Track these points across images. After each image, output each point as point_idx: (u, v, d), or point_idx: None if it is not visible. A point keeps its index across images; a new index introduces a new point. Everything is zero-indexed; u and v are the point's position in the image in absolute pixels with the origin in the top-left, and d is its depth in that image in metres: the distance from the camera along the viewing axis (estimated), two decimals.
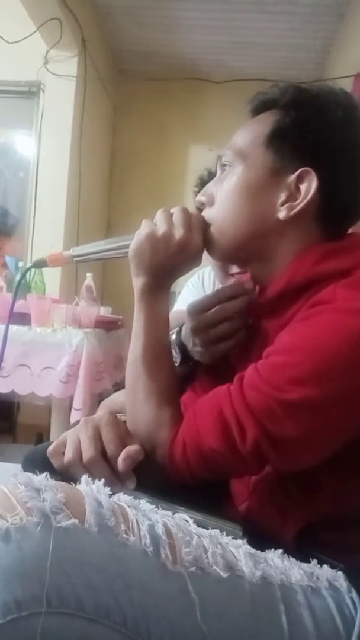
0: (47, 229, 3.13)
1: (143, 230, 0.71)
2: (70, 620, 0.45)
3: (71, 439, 0.67)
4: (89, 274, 2.39)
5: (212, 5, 3.11)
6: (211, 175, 1.18)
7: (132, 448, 0.65)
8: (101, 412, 0.71)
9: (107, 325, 2.13)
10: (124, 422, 0.70)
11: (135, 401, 0.71)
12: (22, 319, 1.97)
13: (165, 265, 0.70)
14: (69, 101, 3.14)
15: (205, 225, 0.71)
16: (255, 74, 3.29)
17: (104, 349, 1.98)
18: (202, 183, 1.25)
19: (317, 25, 3.22)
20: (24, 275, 0.89)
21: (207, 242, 0.71)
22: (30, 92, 3.27)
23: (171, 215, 0.71)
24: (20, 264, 2.60)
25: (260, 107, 0.73)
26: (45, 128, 3.21)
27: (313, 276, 0.65)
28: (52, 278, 2.72)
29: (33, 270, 2.43)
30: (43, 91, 3.21)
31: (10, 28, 2.98)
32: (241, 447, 0.60)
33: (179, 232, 0.69)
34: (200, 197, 0.74)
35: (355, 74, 2.66)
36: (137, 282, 0.72)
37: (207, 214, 0.72)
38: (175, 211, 0.71)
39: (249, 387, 0.61)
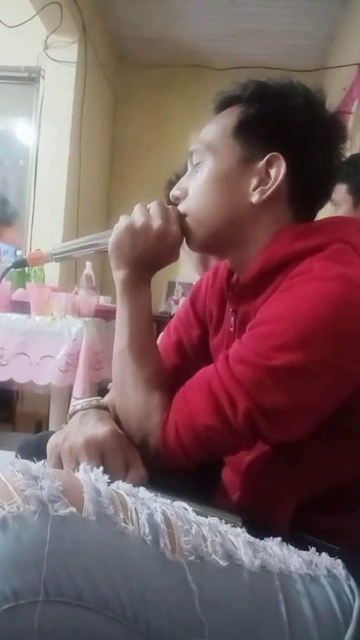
0: (46, 218, 3.11)
1: (121, 223, 0.73)
2: (68, 609, 0.45)
3: (70, 464, 0.63)
4: (88, 263, 2.38)
5: None
6: (180, 177, 1.22)
7: (137, 475, 0.63)
8: (106, 427, 0.66)
9: (106, 315, 2.13)
10: (125, 437, 0.67)
11: (123, 390, 0.70)
12: (22, 307, 1.97)
13: (145, 256, 0.72)
14: (69, 88, 3.10)
15: (181, 217, 0.73)
16: (257, 62, 3.26)
17: (103, 338, 1.97)
18: (171, 186, 1.28)
19: (321, 12, 3.18)
20: (4, 275, 0.89)
21: (185, 234, 0.74)
22: (30, 78, 3.23)
23: (148, 209, 0.74)
24: (19, 252, 2.59)
25: (224, 104, 0.75)
26: (45, 115, 3.18)
27: (289, 255, 0.66)
28: (52, 267, 2.71)
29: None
30: (43, 77, 3.18)
31: (9, 12, 2.93)
32: (233, 420, 0.60)
33: (156, 223, 0.71)
34: (175, 192, 0.76)
35: (359, 62, 2.63)
36: (118, 275, 0.74)
37: (182, 206, 0.74)
38: (152, 205, 0.74)
39: (235, 360, 0.62)
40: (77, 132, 3.16)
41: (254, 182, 0.70)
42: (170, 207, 0.74)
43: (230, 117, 0.72)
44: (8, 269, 0.86)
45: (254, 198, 0.70)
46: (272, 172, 0.69)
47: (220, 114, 0.75)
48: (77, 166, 3.19)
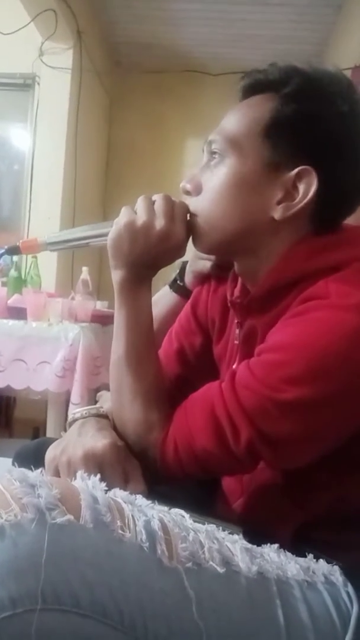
0: (42, 223, 3.11)
1: (122, 218, 0.66)
2: (66, 616, 0.45)
3: (68, 478, 0.61)
4: (84, 268, 2.38)
5: None
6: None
7: (136, 490, 0.61)
8: (105, 440, 0.64)
9: (103, 320, 2.13)
10: (125, 449, 0.65)
11: (121, 402, 0.67)
12: (18, 313, 1.97)
13: (145, 257, 0.66)
14: (65, 94, 3.11)
15: (189, 215, 0.67)
16: (252, 67, 3.24)
17: (100, 344, 1.97)
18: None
19: (315, 18, 3.20)
20: None
21: (193, 234, 0.67)
22: (25, 84, 3.24)
23: (153, 203, 0.67)
24: (15, 258, 2.59)
25: (255, 88, 0.66)
26: (41, 121, 3.18)
27: (303, 272, 0.62)
28: (48, 272, 2.71)
29: (30, 262, 2.42)
30: (38, 84, 3.19)
31: (4, 19, 2.95)
32: (234, 447, 0.58)
33: (159, 222, 0.65)
34: (186, 185, 0.68)
35: (353, 67, 2.65)
36: (116, 275, 0.68)
37: (193, 203, 0.67)
38: (157, 199, 0.67)
39: (241, 386, 0.59)
40: (72, 137, 3.17)
41: (279, 195, 0.63)
42: (177, 202, 0.67)
43: (261, 110, 0.63)
44: (1, 255, 0.82)
45: (277, 213, 0.63)
46: (301, 187, 0.61)
47: (249, 103, 0.66)
48: (72, 171, 3.20)
